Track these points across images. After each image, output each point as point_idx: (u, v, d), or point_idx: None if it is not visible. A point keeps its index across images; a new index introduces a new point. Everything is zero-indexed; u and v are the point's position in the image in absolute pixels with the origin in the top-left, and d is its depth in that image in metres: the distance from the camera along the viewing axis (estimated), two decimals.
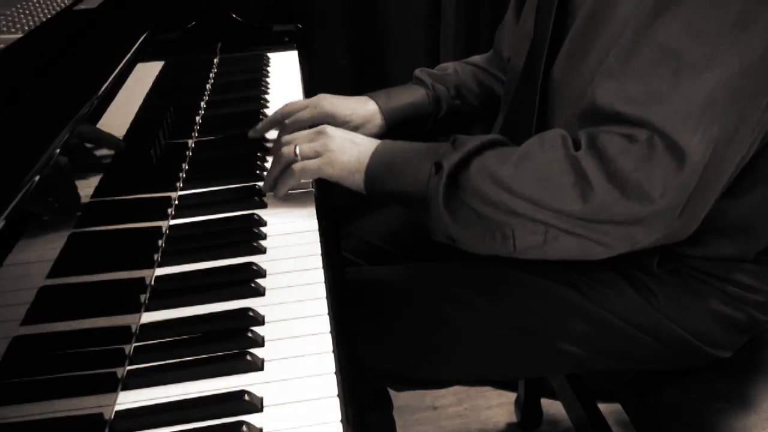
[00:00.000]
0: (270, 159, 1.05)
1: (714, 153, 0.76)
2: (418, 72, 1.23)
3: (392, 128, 1.17)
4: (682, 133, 0.75)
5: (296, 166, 0.94)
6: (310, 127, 1.01)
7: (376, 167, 0.92)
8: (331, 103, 1.12)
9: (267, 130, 1.14)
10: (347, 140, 0.95)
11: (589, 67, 0.87)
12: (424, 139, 0.99)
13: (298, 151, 0.94)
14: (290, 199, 0.96)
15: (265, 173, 1.02)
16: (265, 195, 0.97)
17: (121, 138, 0.91)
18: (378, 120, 1.16)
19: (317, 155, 0.94)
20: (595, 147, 0.79)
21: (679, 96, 0.76)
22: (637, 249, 0.82)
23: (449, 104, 1.21)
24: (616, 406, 1.14)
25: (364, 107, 1.16)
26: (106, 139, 0.88)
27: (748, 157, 0.84)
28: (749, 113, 0.77)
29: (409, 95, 1.20)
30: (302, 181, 0.97)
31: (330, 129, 0.96)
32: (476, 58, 1.29)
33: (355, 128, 1.12)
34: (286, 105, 1.13)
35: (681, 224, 0.80)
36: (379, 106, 1.16)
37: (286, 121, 1.10)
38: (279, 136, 1.08)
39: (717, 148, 0.76)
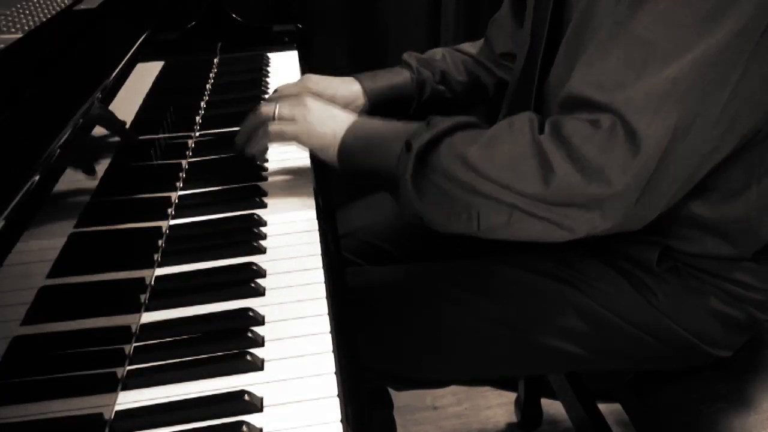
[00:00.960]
0: (269, 161, 1.05)
1: (673, 141, 0.76)
2: (406, 55, 1.25)
3: (375, 109, 1.19)
4: (640, 119, 0.76)
5: (273, 128, 0.95)
6: None
7: (350, 142, 0.93)
8: (316, 83, 1.14)
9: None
10: (325, 113, 0.96)
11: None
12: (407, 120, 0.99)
13: (277, 111, 0.95)
14: (290, 200, 0.96)
15: (264, 173, 1.02)
16: (264, 195, 0.97)
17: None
18: (361, 100, 1.18)
19: (294, 121, 0.95)
20: (559, 131, 0.79)
21: (643, 83, 0.76)
22: (595, 234, 0.82)
23: (433, 88, 1.22)
24: (616, 406, 1.14)
25: (349, 88, 1.18)
26: (113, 122, 0.89)
27: (725, 151, 0.83)
28: (711, 103, 0.77)
29: (393, 77, 1.22)
30: (276, 143, 0.99)
31: (310, 100, 0.97)
32: (467, 46, 1.29)
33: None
34: (276, 90, 1.14)
35: (638, 211, 0.80)
36: (363, 87, 1.18)
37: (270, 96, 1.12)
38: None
39: (676, 136, 0.76)
